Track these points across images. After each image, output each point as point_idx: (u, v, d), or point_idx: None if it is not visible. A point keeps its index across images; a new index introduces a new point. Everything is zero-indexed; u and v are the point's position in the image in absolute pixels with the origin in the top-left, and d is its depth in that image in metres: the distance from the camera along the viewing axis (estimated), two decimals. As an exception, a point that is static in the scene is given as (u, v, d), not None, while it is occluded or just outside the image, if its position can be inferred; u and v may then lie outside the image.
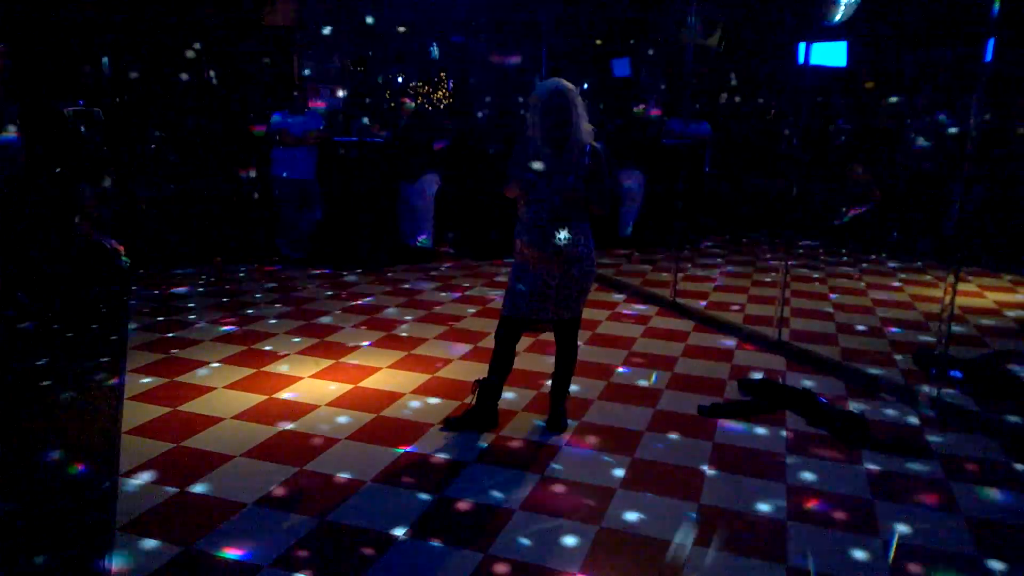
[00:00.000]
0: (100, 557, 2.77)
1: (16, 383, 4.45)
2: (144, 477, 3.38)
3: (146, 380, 4.56)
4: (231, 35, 7.84)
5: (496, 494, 3.31)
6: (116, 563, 2.75)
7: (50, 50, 7.00)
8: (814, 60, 9.39)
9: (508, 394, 4.11)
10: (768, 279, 7.73)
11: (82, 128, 6.23)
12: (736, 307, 6.57)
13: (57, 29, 7.04)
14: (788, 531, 3.06)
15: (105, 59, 7.36)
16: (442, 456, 3.67)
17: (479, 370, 4.83)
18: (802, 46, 9.10)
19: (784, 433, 4.01)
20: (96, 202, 6.24)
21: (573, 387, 4.15)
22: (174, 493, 3.24)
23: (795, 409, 4.26)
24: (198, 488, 3.30)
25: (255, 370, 4.78)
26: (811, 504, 3.28)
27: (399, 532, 2.99)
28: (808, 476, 3.54)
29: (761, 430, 4.04)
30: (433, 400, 4.36)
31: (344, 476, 3.43)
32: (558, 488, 3.38)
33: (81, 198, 6.01)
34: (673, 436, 3.94)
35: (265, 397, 4.35)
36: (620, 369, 4.95)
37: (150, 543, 2.87)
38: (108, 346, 5.15)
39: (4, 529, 2.95)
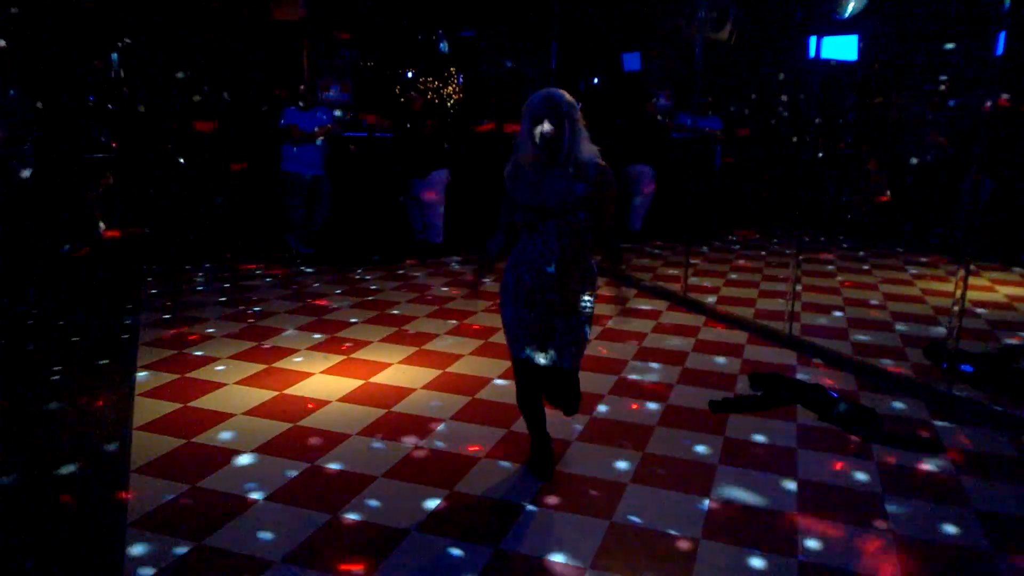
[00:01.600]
0: (112, 553, 2.79)
1: (28, 379, 4.48)
2: (155, 473, 3.40)
3: (157, 376, 4.59)
4: (240, 30, 7.87)
5: (507, 489, 3.31)
6: (128, 558, 2.77)
7: (58, 45, 7.03)
8: (824, 54, 9.33)
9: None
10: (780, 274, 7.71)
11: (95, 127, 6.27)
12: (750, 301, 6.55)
13: (65, 24, 7.07)
14: (798, 524, 3.06)
15: (114, 55, 7.39)
16: (453, 452, 3.67)
17: (489, 366, 4.85)
18: (812, 40, 9.05)
19: (795, 427, 4.00)
20: (107, 198, 6.30)
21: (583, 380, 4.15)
22: (185, 489, 3.26)
23: (806, 403, 4.25)
24: (209, 484, 3.31)
25: (265, 366, 4.80)
26: (822, 497, 3.28)
27: (410, 527, 3.00)
28: (818, 470, 3.52)
29: (772, 424, 4.03)
30: (444, 396, 4.37)
31: (355, 472, 3.44)
32: (569, 483, 3.39)
33: (93, 195, 6.06)
34: (684, 431, 3.94)
35: (276, 393, 4.36)
36: (630, 364, 4.94)
37: (162, 539, 2.89)
38: (119, 342, 5.18)
39: (17, 525, 2.98)
